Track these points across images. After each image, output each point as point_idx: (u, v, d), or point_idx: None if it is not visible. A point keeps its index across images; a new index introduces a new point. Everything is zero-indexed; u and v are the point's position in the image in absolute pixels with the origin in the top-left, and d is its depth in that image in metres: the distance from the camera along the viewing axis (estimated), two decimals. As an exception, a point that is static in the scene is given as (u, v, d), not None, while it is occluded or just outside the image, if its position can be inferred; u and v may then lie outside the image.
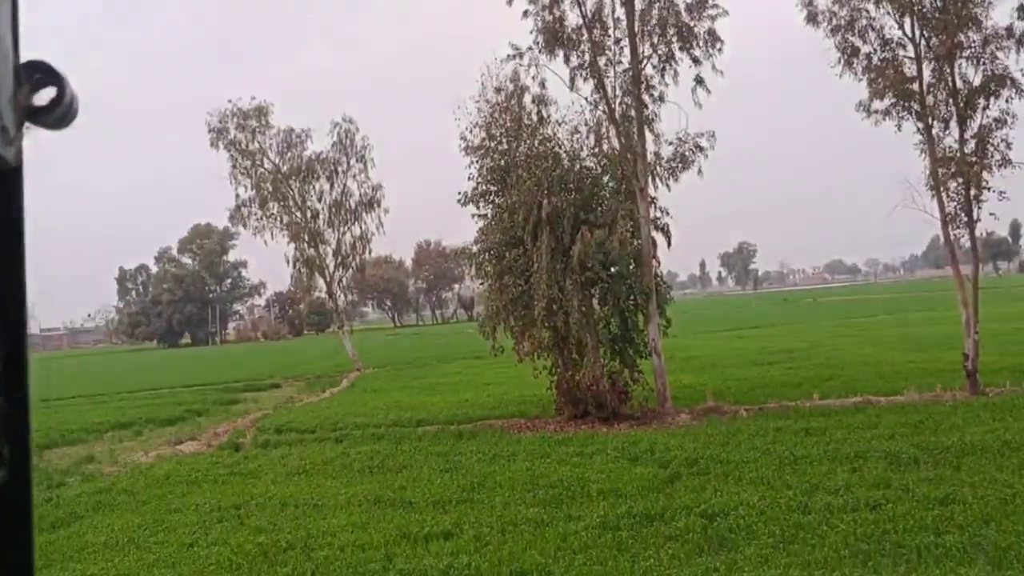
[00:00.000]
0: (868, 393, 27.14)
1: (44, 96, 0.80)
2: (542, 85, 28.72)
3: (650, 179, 27.69)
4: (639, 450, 20.81)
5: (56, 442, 31.47)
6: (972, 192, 26.14)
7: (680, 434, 22.86)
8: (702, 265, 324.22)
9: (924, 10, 26.32)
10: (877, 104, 27.14)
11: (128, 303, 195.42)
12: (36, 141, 0.83)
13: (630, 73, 27.34)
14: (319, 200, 58.33)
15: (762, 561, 11.89)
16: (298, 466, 22.56)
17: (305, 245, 57.95)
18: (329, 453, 24.26)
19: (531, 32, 27.97)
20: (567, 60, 27.79)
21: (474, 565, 12.61)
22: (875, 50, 27.24)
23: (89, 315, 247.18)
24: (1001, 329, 46.97)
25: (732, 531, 13.54)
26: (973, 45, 26.13)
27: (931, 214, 26.93)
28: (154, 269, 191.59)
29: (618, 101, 27.74)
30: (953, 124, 26.42)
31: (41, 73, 0.80)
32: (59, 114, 0.81)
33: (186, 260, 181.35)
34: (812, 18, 27.69)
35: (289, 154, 57.49)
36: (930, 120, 26.51)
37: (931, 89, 26.54)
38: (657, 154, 28.22)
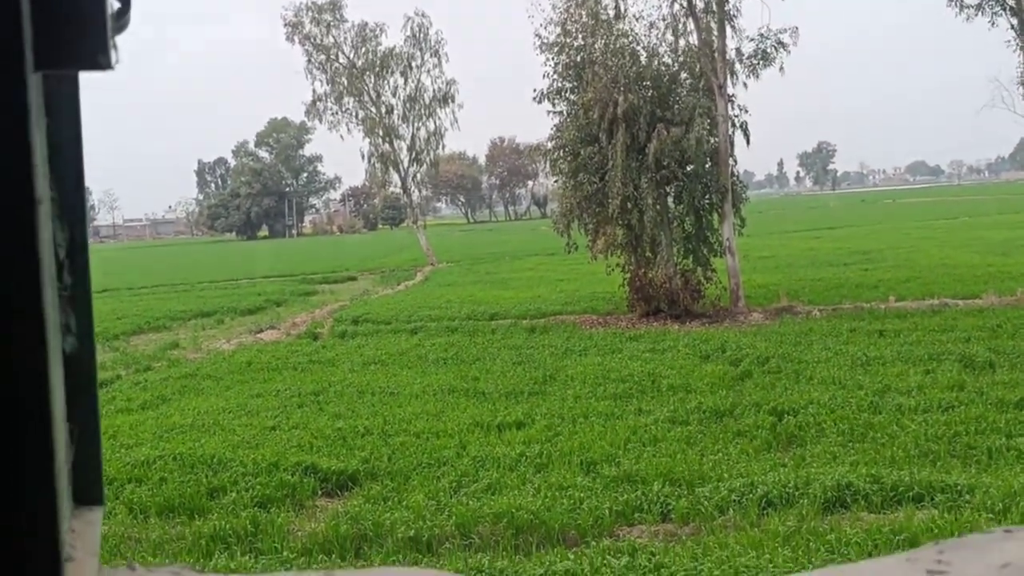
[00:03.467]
0: (946, 296, 26.82)
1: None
2: (621, -23, 28.20)
3: (729, 76, 27.21)
4: (710, 348, 20.94)
5: (142, 328, 32.52)
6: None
7: (752, 333, 22.91)
8: (780, 165, 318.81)
9: None
10: (970, -1, 26.23)
11: (207, 195, 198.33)
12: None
13: (712, -35, 26.67)
14: (393, 95, 58.31)
15: (830, 458, 12.02)
16: (374, 356, 23.09)
17: (380, 140, 58.13)
18: (404, 344, 24.76)
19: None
20: (646, -48, 27.23)
21: (545, 453, 12.94)
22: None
23: (170, 207, 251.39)
24: (1088, 234, 45.80)
25: (801, 428, 13.67)
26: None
27: (1021, 114, 26.22)
28: (232, 162, 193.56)
29: (699, -6, 27.16)
30: (1051, 20, 25.48)
31: None
32: (126, 21, 0.88)
33: (263, 154, 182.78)
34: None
35: (364, 48, 57.34)
36: (1025, 15, 25.60)
37: (1030, -19, 25.56)
38: (738, 50, 27.69)
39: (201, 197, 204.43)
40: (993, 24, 26.03)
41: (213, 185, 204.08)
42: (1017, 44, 25.76)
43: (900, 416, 13.88)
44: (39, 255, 0.70)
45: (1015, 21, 25.62)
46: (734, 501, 10.49)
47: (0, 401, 0.65)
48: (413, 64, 57.91)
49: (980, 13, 26.04)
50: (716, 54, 26.65)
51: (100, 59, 0.75)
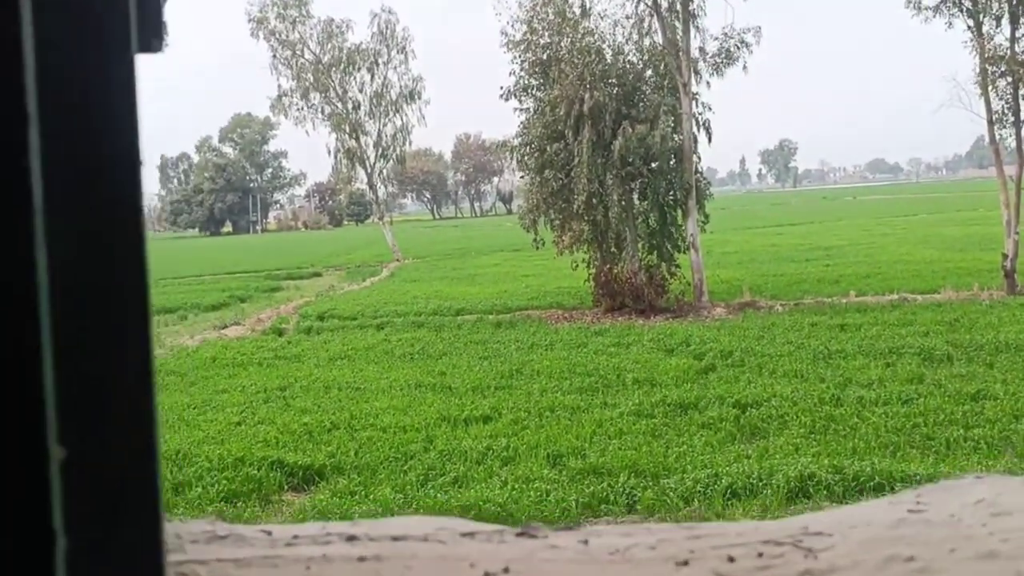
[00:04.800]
0: (905, 291, 27.21)
1: None
2: (587, -24, 28.39)
3: (693, 74, 27.45)
4: (675, 342, 21.13)
5: (105, 325, 32.14)
6: (1021, 91, 25.77)
7: (716, 327, 23.13)
8: (742, 162, 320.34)
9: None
10: (927, 0, 26.60)
11: (170, 191, 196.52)
12: None
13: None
14: (360, 91, 58.14)
15: (793, 449, 12.23)
16: (340, 351, 23.09)
17: (346, 136, 57.92)
18: (370, 340, 24.77)
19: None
20: (612, -49, 27.39)
21: (512, 447, 13.05)
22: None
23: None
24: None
25: (764, 421, 13.88)
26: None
27: (977, 113, 26.64)
28: (195, 158, 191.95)
29: (663, -7, 27.37)
30: (1005, 21, 25.90)
31: None
32: None
33: (227, 149, 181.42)
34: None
35: (330, 44, 57.10)
36: (981, 17, 25.99)
37: (984, -16, 25.97)
38: (702, 49, 27.96)
39: (163, 193, 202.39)
40: (950, 25, 26.46)
41: (176, 181, 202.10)
42: (973, 45, 26.15)
43: (861, 408, 14.13)
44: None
45: (971, 22, 26.03)
46: (699, 492, 10.66)
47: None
48: (380, 61, 57.75)
49: (937, 15, 26.43)
50: (681, 53, 26.85)
51: (154, 43, 0.77)
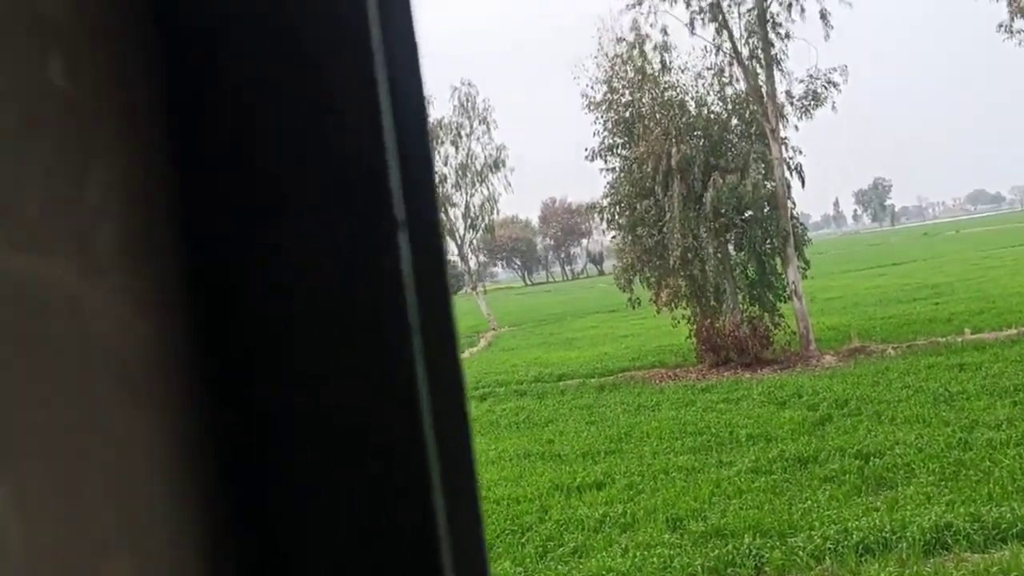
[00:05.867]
0: None
1: None
2: (664, 32, 28.36)
3: (780, 119, 27.14)
4: (785, 394, 20.59)
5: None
6: None
7: (826, 376, 22.50)
8: (835, 204, 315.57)
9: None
10: (1020, 23, 25.97)
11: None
12: None
13: (754, 12, 26.75)
14: (445, 164, 58.89)
15: (925, 499, 11.68)
16: (446, 425, 23.00)
17: (435, 210, 58.61)
18: (475, 411, 24.64)
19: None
20: (688, 4, 27.36)
21: (629, 513, 12.73)
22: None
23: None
24: None
25: (890, 470, 13.33)
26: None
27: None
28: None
29: (743, 42, 27.22)
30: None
31: None
32: None
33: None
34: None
35: (413, 121, 58.21)
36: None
37: (1078, 2, 25.31)
38: (788, 92, 27.67)
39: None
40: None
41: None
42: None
43: (992, 451, 13.49)
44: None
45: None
46: (829, 549, 10.22)
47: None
48: (463, 133, 58.56)
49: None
50: (765, 98, 26.59)
51: None
